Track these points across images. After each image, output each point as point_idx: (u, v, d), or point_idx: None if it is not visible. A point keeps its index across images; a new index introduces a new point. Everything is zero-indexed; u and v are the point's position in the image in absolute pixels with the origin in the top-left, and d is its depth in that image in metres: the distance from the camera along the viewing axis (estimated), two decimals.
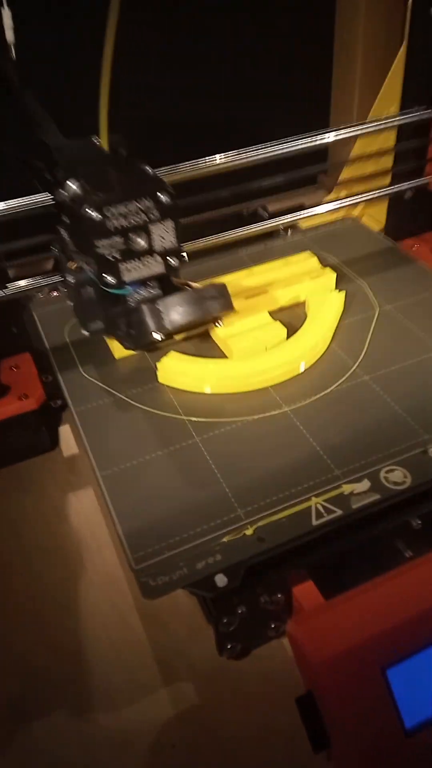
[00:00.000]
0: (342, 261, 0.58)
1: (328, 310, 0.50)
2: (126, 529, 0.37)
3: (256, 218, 0.68)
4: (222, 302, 0.42)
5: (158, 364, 0.46)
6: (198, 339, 0.50)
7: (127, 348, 0.43)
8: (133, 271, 0.39)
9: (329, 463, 0.40)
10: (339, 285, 0.54)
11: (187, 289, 0.43)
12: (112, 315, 0.42)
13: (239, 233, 0.55)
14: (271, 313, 0.51)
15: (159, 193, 0.37)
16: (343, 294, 0.52)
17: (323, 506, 0.37)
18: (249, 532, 0.36)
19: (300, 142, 0.56)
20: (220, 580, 0.34)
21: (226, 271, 0.57)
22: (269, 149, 0.55)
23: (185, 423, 0.43)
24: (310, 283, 0.53)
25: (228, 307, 0.42)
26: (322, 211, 0.58)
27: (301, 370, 0.47)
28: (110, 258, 0.37)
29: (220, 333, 0.49)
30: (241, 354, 0.47)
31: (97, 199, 0.36)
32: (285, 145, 0.55)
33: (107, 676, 0.39)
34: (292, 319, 0.52)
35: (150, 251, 0.38)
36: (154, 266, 0.39)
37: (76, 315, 0.44)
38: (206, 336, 0.50)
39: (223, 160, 0.54)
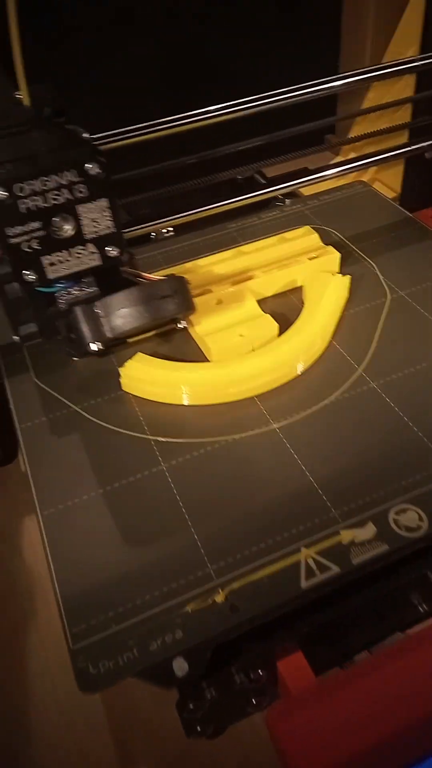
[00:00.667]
0: (348, 237, 0.49)
1: (329, 299, 0.42)
2: (66, 591, 0.29)
3: (252, 186, 0.59)
4: (178, 302, 0.33)
5: (121, 370, 0.38)
6: (174, 334, 0.42)
7: (70, 356, 0.35)
8: (59, 265, 0.30)
9: (325, 500, 0.31)
10: (344, 267, 0.45)
11: (136, 283, 0.34)
12: (47, 316, 0.33)
13: (227, 203, 0.46)
14: (260, 303, 0.42)
15: (86, 163, 0.28)
16: (347, 279, 0.43)
17: (315, 560, 0.29)
18: (219, 597, 0.28)
19: (303, 91, 0.46)
20: (180, 667, 0.26)
21: (210, 250, 0.49)
22: (268, 100, 0.46)
23: (150, 444, 0.35)
24: (308, 265, 0.44)
25: (186, 307, 0.33)
26: (328, 174, 0.49)
27: (298, 372, 0.38)
28: (27, 249, 0.29)
29: (197, 328, 0.40)
30: (222, 355, 0.39)
31: (3, 173, 0.27)
32: (285, 96, 0.46)
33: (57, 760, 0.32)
34: (285, 309, 0.43)
35: (80, 239, 0.30)
36: (87, 258, 0.31)
37: (7, 317, 0.36)
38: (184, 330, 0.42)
39: (213, 114, 0.45)
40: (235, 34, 0.65)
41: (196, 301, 0.42)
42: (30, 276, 0.29)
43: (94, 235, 0.30)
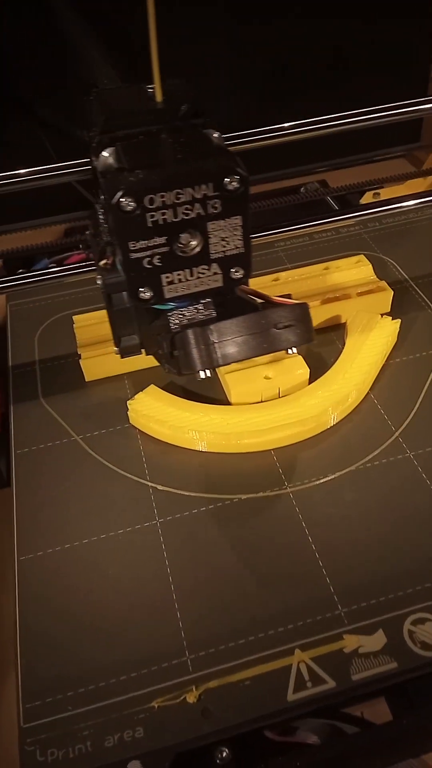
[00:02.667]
0: (407, 271, 0.43)
1: (373, 344, 0.37)
2: (28, 658, 0.26)
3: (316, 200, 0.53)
4: (300, 333, 0.28)
5: (130, 404, 0.35)
6: None
7: (168, 372, 0.32)
8: (178, 284, 0.27)
9: (332, 593, 0.27)
10: (396, 306, 0.40)
11: (252, 305, 0.30)
12: (152, 330, 0.30)
13: (289, 230, 0.41)
14: None
15: (227, 177, 0.24)
16: (397, 323, 0.38)
17: (309, 668, 0.25)
18: (192, 697, 0.24)
19: (390, 112, 0.40)
20: None
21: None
22: (350, 119, 0.39)
23: (148, 492, 0.32)
24: (355, 301, 0.39)
25: (306, 338, 0.29)
26: (406, 205, 0.42)
27: (325, 427, 0.34)
28: (147, 266, 0.25)
29: None
30: (242, 398, 0.35)
31: (134, 181, 0.23)
32: (370, 116, 0.39)
33: None
34: (322, 348, 0.38)
35: (205, 258, 0.26)
36: (209, 279, 0.27)
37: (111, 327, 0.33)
38: None
39: (290, 131, 0.39)
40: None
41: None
42: (146, 294, 0.26)
43: (221, 255, 0.26)
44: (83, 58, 0.40)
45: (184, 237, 0.25)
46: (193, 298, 0.28)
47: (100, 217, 0.29)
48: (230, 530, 0.30)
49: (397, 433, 0.33)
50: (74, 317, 0.40)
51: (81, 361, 0.37)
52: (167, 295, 0.27)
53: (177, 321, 0.29)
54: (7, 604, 0.30)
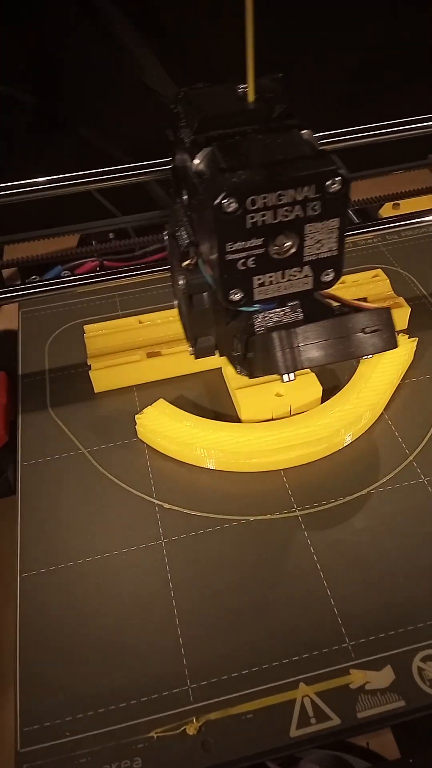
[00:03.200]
0: (427, 287, 0.42)
1: (388, 363, 0.36)
2: (27, 679, 0.26)
3: None
4: (386, 338, 0.28)
5: (138, 418, 0.34)
6: (213, 374, 0.38)
7: (239, 373, 0.31)
8: (268, 286, 0.26)
9: (340, 625, 0.26)
10: (413, 324, 0.39)
11: (328, 308, 0.29)
12: (228, 332, 0.30)
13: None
14: None
15: (329, 179, 0.24)
16: (413, 342, 0.37)
17: (314, 704, 0.24)
18: (192, 729, 0.24)
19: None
20: None
21: None
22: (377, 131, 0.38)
23: (154, 510, 0.31)
24: None
25: (392, 344, 0.29)
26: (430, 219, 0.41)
27: (337, 449, 0.33)
28: (241, 267, 0.25)
29: (230, 378, 0.36)
30: (252, 415, 0.34)
31: (237, 182, 0.23)
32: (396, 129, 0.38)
33: None
34: (336, 365, 0.38)
35: (298, 260, 0.26)
36: (299, 281, 0.27)
37: (183, 327, 0.33)
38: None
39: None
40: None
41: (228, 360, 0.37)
42: (236, 295, 0.26)
43: (314, 258, 0.26)
44: (136, 59, 0.40)
45: (280, 239, 0.25)
46: (281, 300, 0.28)
47: (183, 218, 0.29)
48: (236, 554, 0.29)
49: (411, 457, 0.32)
50: (85, 327, 0.40)
51: (91, 372, 0.37)
52: (257, 297, 0.26)
53: (262, 323, 0.28)
54: (8, 618, 0.30)
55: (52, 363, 0.40)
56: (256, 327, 0.28)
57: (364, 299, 0.40)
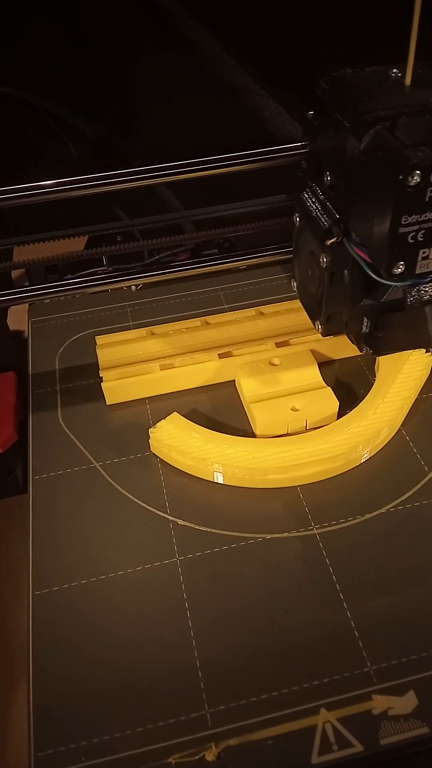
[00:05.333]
0: None
1: (406, 377, 0.35)
2: (41, 701, 0.25)
3: None
4: None
5: (152, 432, 0.34)
6: (226, 387, 0.37)
7: (364, 352, 0.32)
8: (430, 260, 0.27)
9: (361, 648, 0.26)
10: None
11: None
12: (361, 309, 0.31)
13: None
14: (323, 367, 0.36)
15: None
16: (430, 357, 0.36)
17: (335, 729, 0.24)
18: (211, 755, 0.23)
19: None
20: None
21: (274, 294, 0.43)
22: None
23: (168, 526, 0.31)
24: None
25: None
26: None
27: (354, 465, 0.33)
28: (411, 240, 0.26)
29: (245, 391, 0.35)
30: (267, 430, 0.34)
31: (423, 156, 0.24)
32: None
33: None
34: (352, 379, 0.37)
35: None
36: None
37: (306, 308, 0.34)
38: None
39: None
40: None
41: (246, 359, 0.37)
42: (400, 267, 0.26)
43: None
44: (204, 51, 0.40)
45: None
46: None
47: (324, 200, 0.31)
48: (254, 573, 0.29)
49: (431, 474, 0.32)
50: (96, 338, 0.39)
51: (103, 384, 0.36)
52: (419, 270, 0.27)
53: (416, 297, 0.29)
54: (21, 636, 0.30)
55: (63, 374, 0.39)
56: (408, 301, 0.29)
57: None
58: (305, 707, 0.24)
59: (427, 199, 0.25)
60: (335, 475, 0.32)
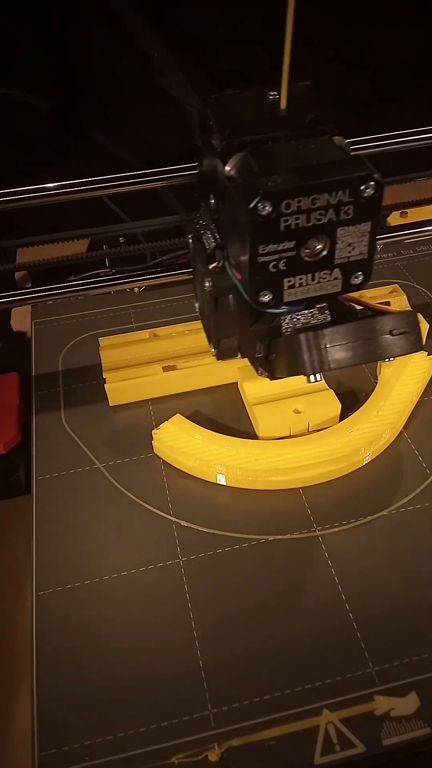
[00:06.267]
0: None
1: (407, 380, 0.35)
2: (45, 698, 0.25)
3: None
4: (412, 340, 0.29)
5: (155, 433, 0.34)
6: (229, 389, 0.37)
7: (261, 375, 0.32)
8: (298, 288, 0.27)
9: (363, 649, 0.26)
10: (431, 343, 0.39)
11: (352, 311, 0.30)
12: (251, 333, 0.31)
13: None
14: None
15: (364, 184, 0.24)
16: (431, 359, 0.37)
17: (338, 730, 0.24)
18: (214, 755, 0.23)
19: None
20: None
21: None
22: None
23: (171, 527, 0.31)
24: None
25: (418, 346, 0.29)
26: None
27: (356, 467, 0.33)
28: (272, 269, 0.25)
29: (247, 393, 0.35)
30: (270, 432, 0.34)
31: (273, 186, 0.23)
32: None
33: None
34: (353, 382, 0.37)
35: (329, 263, 0.26)
36: (329, 284, 0.27)
37: (204, 330, 0.33)
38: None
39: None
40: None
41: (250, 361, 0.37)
42: (266, 296, 0.26)
43: (344, 261, 0.26)
44: (158, 66, 0.40)
45: (311, 242, 0.25)
46: (309, 302, 0.28)
47: (210, 221, 0.30)
48: (256, 574, 0.29)
49: None
50: (99, 339, 0.39)
51: (106, 386, 0.37)
52: (286, 299, 0.27)
53: (289, 324, 0.29)
54: (24, 637, 0.30)
55: (66, 375, 0.40)
56: (283, 328, 0.29)
57: (388, 303, 0.39)
58: (308, 708, 0.24)
59: (282, 229, 0.24)
60: (337, 477, 0.32)
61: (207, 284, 0.29)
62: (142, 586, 0.29)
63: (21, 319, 0.47)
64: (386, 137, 0.37)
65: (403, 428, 0.34)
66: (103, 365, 0.38)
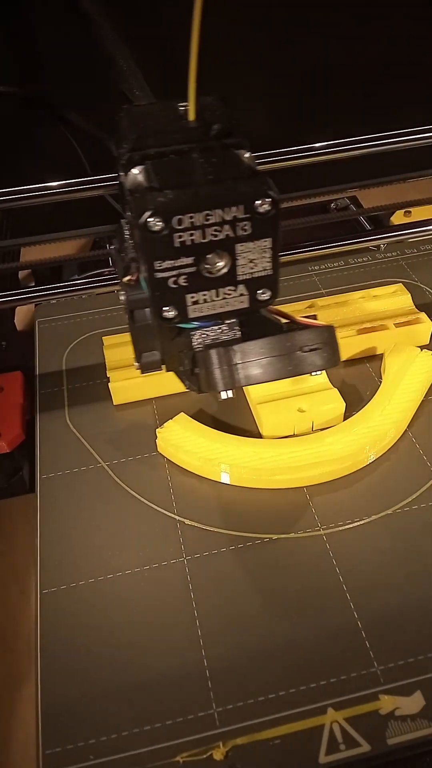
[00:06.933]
0: None
1: (412, 379, 0.35)
2: (50, 697, 0.25)
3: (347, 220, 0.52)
4: (327, 356, 0.28)
5: (159, 432, 0.34)
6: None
7: (189, 389, 0.31)
8: (203, 304, 0.26)
9: (368, 648, 0.26)
10: None
11: (276, 324, 0.29)
12: (174, 347, 0.30)
13: (316, 249, 0.40)
14: (330, 369, 0.37)
15: (258, 200, 0.24)
16: None
17: (343, 729, 0.24)
18: (218, 754, 0.23)
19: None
20: None
21: (284, 294, 0.43)
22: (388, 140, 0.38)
23: (176, 526, 0.31)
24: (393, 332, 0.38)
25: (333, 362, 0.28)
26: None
27: (361, 466, 0.33)
28: (172, 285, 0.25)
29: (251, 392, 0.35)
30: (274, 431, 0.34)
31: (163, 201, 0.23)
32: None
33: None
34: (358, 380, 0.37)
35: (232, 279, 0.26)
36: (235, 300, 0.26)
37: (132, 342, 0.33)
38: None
39: (320, 151, 0.38)
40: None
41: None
42: (169, 312, 0.26)
43: (248, 277, 0.26)
44: (116, 68, 0.40)
45: (211, 258, 0.25)
46: (217, 318, 0.27)
47: (126, 233, 0.29)
48: (261, 573, 0.29)
49: None
50: (103, 338, 0.39)
51: (110, 385, 0.37)
52: (191, 315, 0.26)
53: (200, 340, 0.28)
54: (29, 635, 0.30)
55: (70, 374, 0.40)
56: (194, 344, 0.28)
57: (314, 316, 0.39)
58: (313, 707, 0.24)
59: (177, 245, 0.24)
60: (342, 476, 0.32)
61: (122, 297, 0.29)
62: (146, 584, 0.29)
63: (23, 319, 0.48)
64: (386, 137, 0.37)
65: (407, 427, 0.34)
66: (107, 364, 0.38)
